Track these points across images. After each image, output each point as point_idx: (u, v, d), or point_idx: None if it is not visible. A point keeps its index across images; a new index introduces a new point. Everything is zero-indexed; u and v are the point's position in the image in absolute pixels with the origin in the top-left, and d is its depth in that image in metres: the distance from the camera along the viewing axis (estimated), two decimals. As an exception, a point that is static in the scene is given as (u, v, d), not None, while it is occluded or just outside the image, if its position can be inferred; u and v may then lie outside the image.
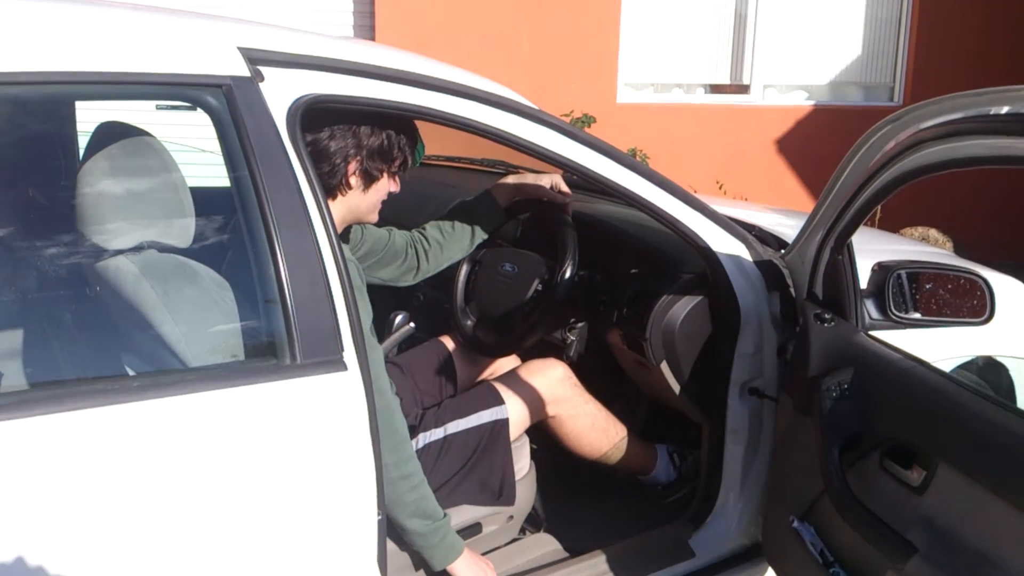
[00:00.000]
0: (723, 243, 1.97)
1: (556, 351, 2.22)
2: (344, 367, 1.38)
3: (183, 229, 1.46)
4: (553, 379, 2.07)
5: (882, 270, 1.83)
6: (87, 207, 1.44)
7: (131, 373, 1.40)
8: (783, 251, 2.03)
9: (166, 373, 1.35)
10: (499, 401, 1.97)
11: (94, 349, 1.44)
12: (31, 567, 1.14)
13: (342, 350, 1.38)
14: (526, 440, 2.05)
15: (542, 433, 2.14)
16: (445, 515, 1.70)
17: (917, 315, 1.86)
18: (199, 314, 1.41)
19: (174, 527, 1.25)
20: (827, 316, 1.78)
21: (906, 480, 1.51)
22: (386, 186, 1.75)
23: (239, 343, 1.40)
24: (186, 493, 1.25)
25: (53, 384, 1.35)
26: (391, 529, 1.67)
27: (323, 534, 1.40)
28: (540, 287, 2.16)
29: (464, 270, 2.30)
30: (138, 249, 1.41)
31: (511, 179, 2.24)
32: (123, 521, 1.21)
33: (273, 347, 1.36)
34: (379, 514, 1.45)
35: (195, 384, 1.28)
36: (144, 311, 1.36)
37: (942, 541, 1.42)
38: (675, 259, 2.13)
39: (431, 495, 1.67)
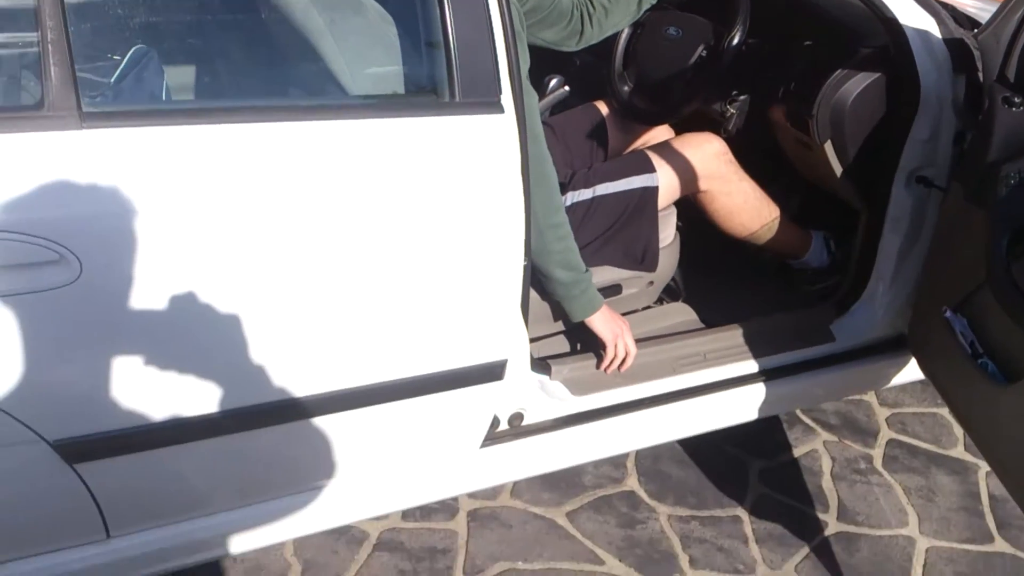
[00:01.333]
0: (911, 15, 1.82)
1: (714, 125, 2.14)
2: (501, 109, 1.38)
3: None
4: (708, 153, 2.02)
5: (1089, 51, 1.64)
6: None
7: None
8: (976, 31, 1.85)
9: (331, 99, 1.39)
10: (651, 169, 1.94)
11: (262, 75, 1.49)
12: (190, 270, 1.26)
13: (500, 92, 1.38)
14: (674, 211, 2.03)
15: (692, 209, 2.12)
16: (587, 270, 1.74)
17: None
18: (364, 45, 1.43)
19: (330, 247, 1.32)
20: (1017, 100, 1.63)
21: (1079, 273, 1.43)
22: None
23: (400, 77, 1.43)
24: (345, 214, 1.31)
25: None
26: (535, 281, 1.73)
27: (471, 273, 1.45)
28: (704, 53, 2.06)
29: (625, 33, 2.21)
30: (306, -24, 1.42)
31: None
32: (281, 227, 1.28)
33: (433, 84, 1.38)
34: (525, 260, 1.50)
35: (358, 111, 1.32)
36: (311, 38, 1.39)
37: None
38: (855, 31, 1.97)
39: (576, 248, 1.70)
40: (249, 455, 1.42)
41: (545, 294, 1.77)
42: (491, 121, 1.38)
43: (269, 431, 1.40)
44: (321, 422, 1.44)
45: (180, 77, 1.52)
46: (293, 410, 1.39)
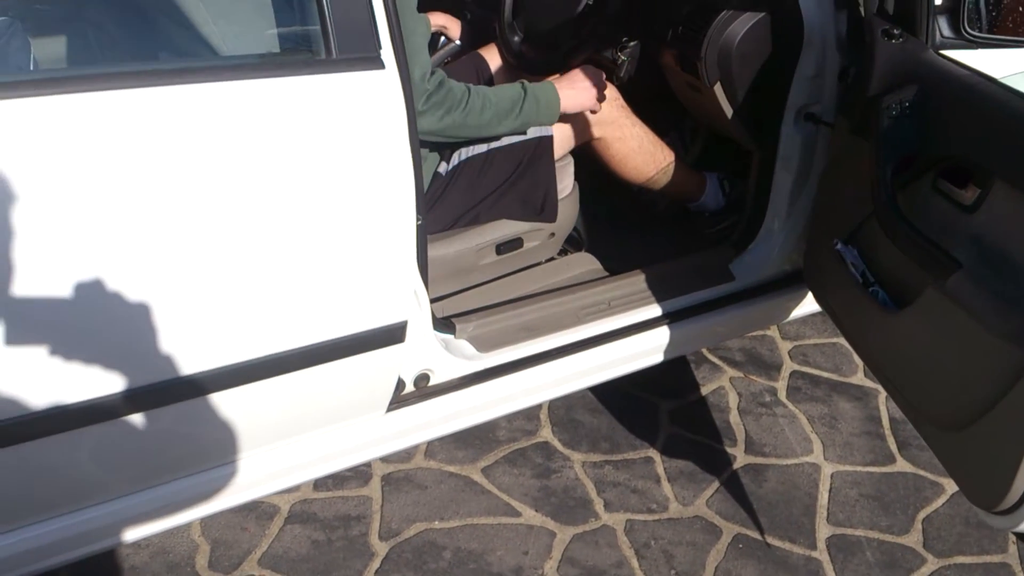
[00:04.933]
0: (793, -46, 1.83)
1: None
2: (382, 65, 1.34)
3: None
4: (600, 99, 2.01)
5: (961, -19, 1.68)
6: None
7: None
8: (857, -35, 1.88)
9: (200, 62, 1.32)
10: (544, 119, 1.92)
11: (130, 43, 1.41)
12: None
13: (379, 47, 1.34)
14: (571, 161, 2.02)
15: (589, 160, 2.12)
16: (521, 83, 1.80)
17: (993, 34, 1.73)
18: (233, 3, 1.36)
19: (214, 217, 1.26)
20: (895, 32, 1.66)
21: (958, 199, 1.47)
22: None
23: (274, 35, 1.36)
24: (225, 182, 1.26)
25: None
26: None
27: (361, 236, 1.40)
28: (592, 1, 2.04)
29: (514, -17, 2.18)
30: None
31: None
32: (163, 197, 1.22)
33: (307, 40, 1.32)
34: (419, 219, 1.47)
35: (228, 73, 1.25)
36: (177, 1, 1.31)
37: (988, 258, 1.39)
38: (739, -29, 1.98)
39: (495, 99, 1.74)
40: (142, 439, 1.36)
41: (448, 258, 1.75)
42: (371, 77, 1.33)
43: (160, 412, 1.34)
44: (217, 398, 1.38)
45: (47, 47, 1.43)
46: (184, 389, 1.34)
